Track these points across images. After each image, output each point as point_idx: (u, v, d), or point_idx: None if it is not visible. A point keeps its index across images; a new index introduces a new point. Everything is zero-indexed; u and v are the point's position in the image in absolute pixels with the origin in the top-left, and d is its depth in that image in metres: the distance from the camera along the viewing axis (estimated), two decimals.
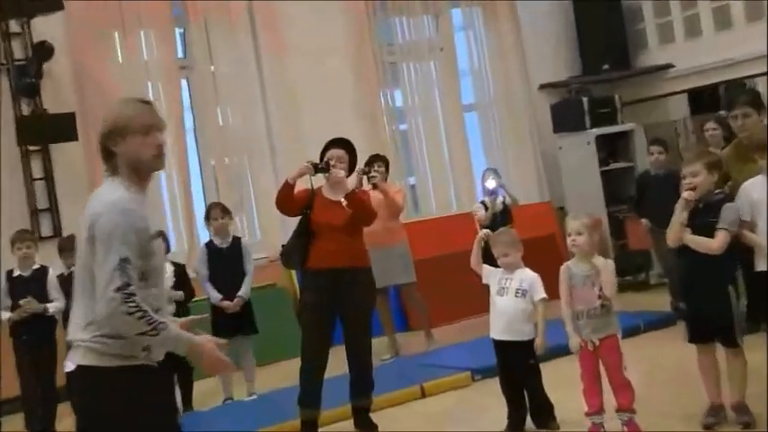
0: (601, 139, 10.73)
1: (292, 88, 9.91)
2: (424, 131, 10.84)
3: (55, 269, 7.25)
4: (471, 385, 6.91)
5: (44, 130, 8.55)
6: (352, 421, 6.08)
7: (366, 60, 10.37)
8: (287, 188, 5.83)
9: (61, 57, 8.74)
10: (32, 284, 7.12)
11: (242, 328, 7.29)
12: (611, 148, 10.92)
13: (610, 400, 5.12)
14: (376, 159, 8.02)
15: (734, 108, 5.73)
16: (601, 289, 4.95)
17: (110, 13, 9.00)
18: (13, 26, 8.69)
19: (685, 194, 4.93)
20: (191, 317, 3.53)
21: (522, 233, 5.93)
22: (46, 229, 8.73)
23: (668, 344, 6.97)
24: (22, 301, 7.01)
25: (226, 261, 7.31)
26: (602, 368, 5.09)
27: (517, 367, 5.48)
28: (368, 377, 6.02)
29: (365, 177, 7.08)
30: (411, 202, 10.67)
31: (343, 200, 5.83)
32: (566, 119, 10.91)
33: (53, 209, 8.80)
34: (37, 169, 8.80)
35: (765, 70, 9.67)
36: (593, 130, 10.69)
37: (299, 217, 6.02)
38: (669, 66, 11.20)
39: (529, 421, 5.54)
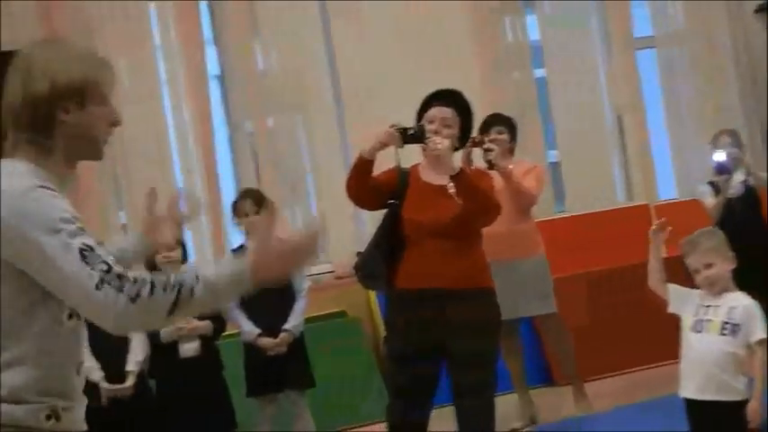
0: None
1: (369, 9, 7.90)
2: (572, 80, 8.75)
3: None
4: None
5: None
6: None
7: None
8: (363, 166, 4.93)
9: None
10: None
11: (291, 379, 5.98)
12: None
13: None
14: (495, 122, 6.42)
15: None
16: None
17: None
18: None
19: None
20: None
21: None
22: None
23: None
24: None
25: None
26: None
27: None
28: None
29: (478, 150, 5.91)
30: (551, 189, 8.81)
31: (449, 184, 4.83)
32: None
33: None
34: None
35: None
36: None
37: (383, 211, 5.13)
38: None
39: None
